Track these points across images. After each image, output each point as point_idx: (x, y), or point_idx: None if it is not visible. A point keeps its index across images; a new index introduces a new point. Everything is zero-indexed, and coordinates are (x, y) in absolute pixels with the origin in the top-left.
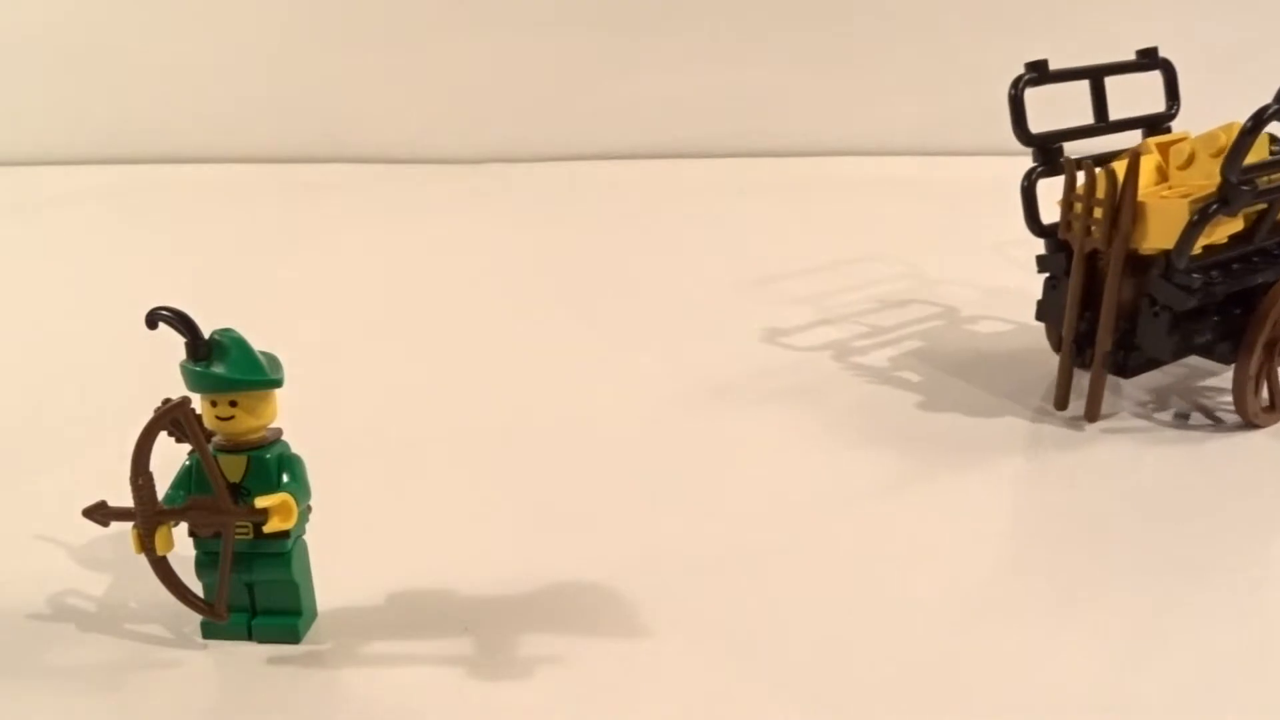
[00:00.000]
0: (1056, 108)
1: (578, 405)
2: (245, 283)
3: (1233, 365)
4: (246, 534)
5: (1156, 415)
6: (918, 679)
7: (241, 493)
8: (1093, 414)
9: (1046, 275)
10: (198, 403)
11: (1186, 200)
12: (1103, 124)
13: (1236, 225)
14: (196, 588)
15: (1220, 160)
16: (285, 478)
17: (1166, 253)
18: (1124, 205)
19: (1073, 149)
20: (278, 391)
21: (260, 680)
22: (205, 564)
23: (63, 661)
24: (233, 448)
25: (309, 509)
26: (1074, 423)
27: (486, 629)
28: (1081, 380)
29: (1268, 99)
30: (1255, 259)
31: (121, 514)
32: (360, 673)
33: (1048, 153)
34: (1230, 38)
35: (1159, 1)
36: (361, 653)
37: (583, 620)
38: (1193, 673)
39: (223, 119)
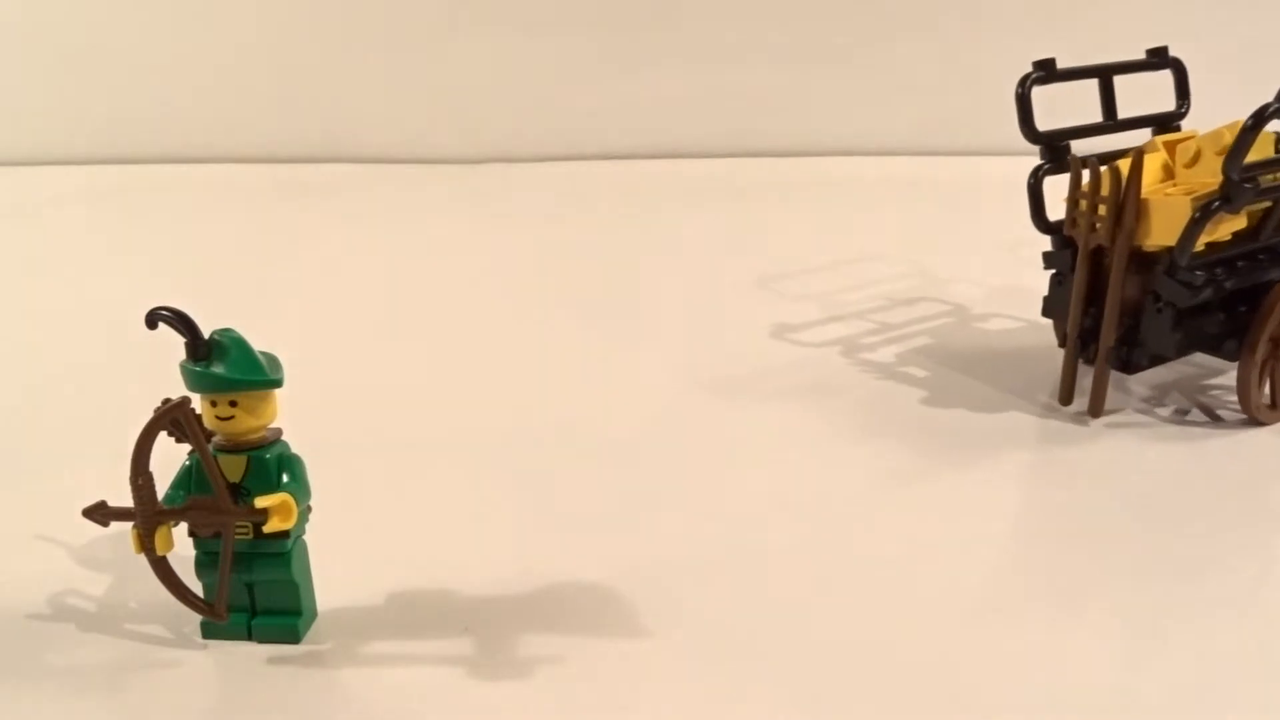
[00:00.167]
0: (1056, 108)
1: (578, 405)
2: (245, 283)
3: (1237, 362)
4: (246, 534)
5: (1160, 411)
6: (918, 679)
7: (241, 493)
8: (1096, 409)
9: (1052, 271)
10: (198, 403)
11: (1189, 197)
12: (1111, 122)
13: (1240, 223)
14: (196, 588)
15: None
16: (285, 478)
17: (1170, 249)
18: (1128, 202)
19: (1081, 147)
20: (278, 391)
21: (260, 680)
22: (205, 564)
23: (63, 661)
24: (233, 448)
25: (309, 509)
26: (1078, 418)
27: (486, 629)
28: (1086, 376)
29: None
30: (1261, 256)
31: (121, 514)
32: (360, 673)
33: (1055, 150)
34: (1240, 36)
35: (1160, 2)
36: (361, 653)
37: (583, 620)
38: (1193, 672)
39: (223, 119)
